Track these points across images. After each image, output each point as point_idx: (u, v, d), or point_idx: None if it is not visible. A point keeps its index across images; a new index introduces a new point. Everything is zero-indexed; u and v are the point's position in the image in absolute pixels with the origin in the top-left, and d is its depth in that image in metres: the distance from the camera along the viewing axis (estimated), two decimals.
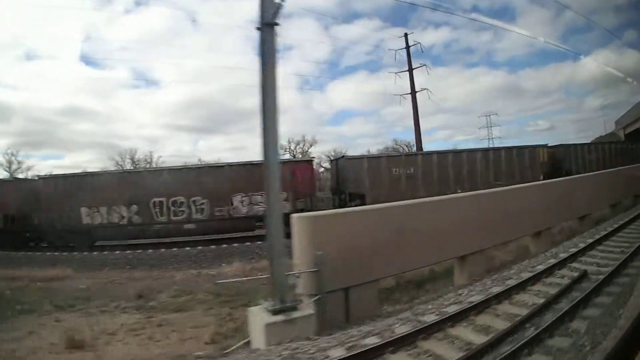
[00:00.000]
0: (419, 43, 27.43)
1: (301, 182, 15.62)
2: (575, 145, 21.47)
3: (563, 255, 7.78)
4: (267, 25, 5.31)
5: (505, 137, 57.70)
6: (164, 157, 41.67)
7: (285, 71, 43.99)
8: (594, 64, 59.80)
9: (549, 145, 20.69)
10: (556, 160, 20.44)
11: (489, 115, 42.73)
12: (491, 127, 41.44)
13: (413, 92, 26.81)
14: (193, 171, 16.12)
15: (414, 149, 29.13)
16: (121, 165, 34.43)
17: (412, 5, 55.36)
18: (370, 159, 17.98)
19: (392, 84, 32.30)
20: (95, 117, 45.50)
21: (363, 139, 64.78)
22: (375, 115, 58.69)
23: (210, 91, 49.81)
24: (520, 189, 10.45)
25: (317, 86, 59.15)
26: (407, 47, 27.15)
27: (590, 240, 8.84)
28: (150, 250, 14.14)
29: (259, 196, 14.83)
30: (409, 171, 17.42)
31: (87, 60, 52.84)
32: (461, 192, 14.04)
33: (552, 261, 7.44)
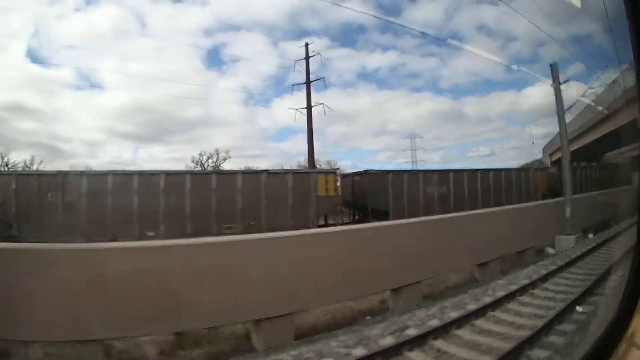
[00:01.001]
0: (319, 53, 25.01)
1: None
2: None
3: None
4: None
5: (447, 161, 59.08)
6: (102, 164, 40.65)
7: (230, 84, 44.75)
8: (537, 94, 63.48)
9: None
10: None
11: (414, 138, 42.97)
12: (415, 149, 41.59)
13: (309, 106, 24.47)
14: None
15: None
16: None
17: (361, 27, 57.88)
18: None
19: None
20: (39, 116, 44.24)
21: (304, 157, 67.63)
22: (319, 133, 60.01)
23: (153, 98, 48.54)
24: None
25: (263, 101, 60.00)
26: (307, 57, 24.63)
27: None
28: None
29: None
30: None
31: (33, 56, 52.33)
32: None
33: None
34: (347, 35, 57.04)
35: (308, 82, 24.63)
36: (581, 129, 27.03)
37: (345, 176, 18.22)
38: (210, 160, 35.28)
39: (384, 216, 14.74)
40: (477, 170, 18.34)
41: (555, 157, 32.97)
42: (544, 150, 37.90)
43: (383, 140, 62.05)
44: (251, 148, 52.17)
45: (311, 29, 58.44)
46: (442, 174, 17.24)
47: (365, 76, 58.68)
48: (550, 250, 10.99)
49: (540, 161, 36.30)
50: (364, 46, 55.54)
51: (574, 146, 29.23)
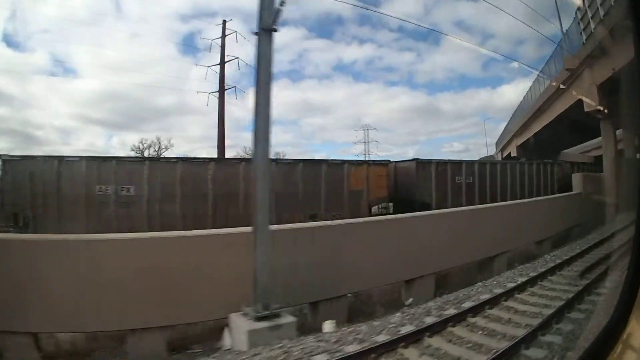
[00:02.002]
0: (235, 32, 22.35)
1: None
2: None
3: None
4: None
5: (420, 155, 59.44)
6: (75, 151, 38.61)
7: (203, 73, 44.17)
8: (512, 91, 63.02)
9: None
10: None
11: (367, 130, 42.36)
12: (368, 142, 40.97)
13: (222, 89, 21.84)
14: None
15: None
16: None
17: (339, 19, 56.89)
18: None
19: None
20: (10, 101, 42.47)
21: (282, 148, 67.58)
22: (294, 124, 59.15)
23: (127, 85, 46.54)
24: None
25: (237, 91, 59.49)
26: (223, 36, 22.12)
27: None
28: None
29: None
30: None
31: (7, 40, 50.06)
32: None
33: None
34: (324, 27, 56.28)
35: (222, 63, 22.07)
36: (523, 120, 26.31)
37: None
38: (151, 149, 34.03)
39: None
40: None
41: (506, 152, 32.63)
42: (496, 144, 37.79)
43: (360, 133, 63.20)
44: (225, 137, 51.20)
45: (289, 18, 58.06)
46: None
47: (342, 68, 58.35)
48: None
49: (492, 157, 36.24)
50: (341, 38, 55.17)
51: (521, 140, 28.28)
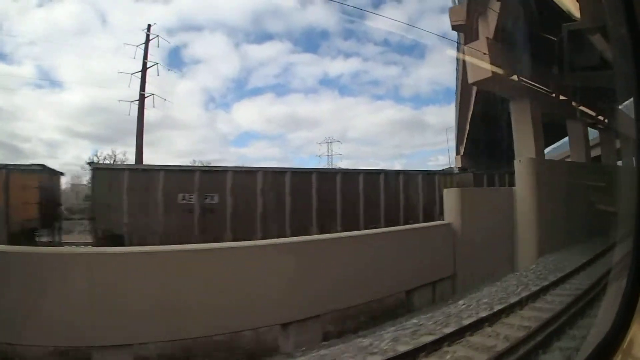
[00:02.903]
0: (158, 36, 21.81)
1: None
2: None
3: None
4: None
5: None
6: (62, 165, 39.58)
7: (191, 86, 44.21)
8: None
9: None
10: None
11: (330, 142, 42.02)
12: (332, 155, 40.56)
13: (142, 97, 21.00)
14: None
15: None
16: None
17: (324, 33, 57.37)
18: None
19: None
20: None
21: (268, 162, 66.84)
22: (281, 139, 58.97)
23: (112, 98, 46.34)
24: None
25: (223, 105, 58.40)
26: (147, 41, 21.40)
27: None
28: None
29: None
30: None
31: None
32: None
33: None
34: (310, 40, 56.94)
35: (144, 69, 21.14)
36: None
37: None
38: (106, 162, 34.88)
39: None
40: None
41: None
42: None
43: (344, 147, 65.23)
44: (211, 152, 52.46)
45: (274, 32, 58.64)
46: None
47: (328, 82, 58.95)
48: None
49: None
50: (326, 52, 55.74)
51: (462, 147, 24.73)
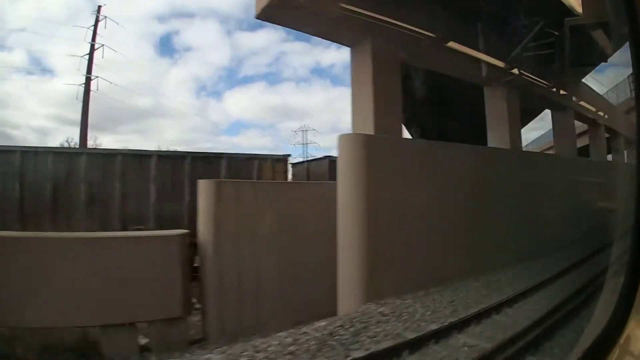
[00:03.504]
0: (107, 17, 21.19)
1: None
2: None
3: None
4: None
5: None
6: None
7: (182, 74, 43.58)
8: None
9: None
10: None
11: (305, 131, 41.75)
12: (307, 143, 40.32)
13: (88, 79, 20.61)
14: None
15: None
16: None
17: None
18: None
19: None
20: None
21: (259, 152, 68.26)
22: (272, 128, 59.15)
23: (103, 85, 48.07)
24: None
25: (214, 94, 57.17)
26: (96, 22, 20.81)
27: None
28: None
29: None
30: None
31: None
32: None
33: None
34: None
35: (92, 52, 20.72)
36: None
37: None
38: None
39: None
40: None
41: None
42: None
43: (331, 137, 64.26)
44: (203, 141, 51.27)
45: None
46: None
47: (320, 72, 58.54)
48: None
49: None
50: (318, 41, 55.14)
51: None
